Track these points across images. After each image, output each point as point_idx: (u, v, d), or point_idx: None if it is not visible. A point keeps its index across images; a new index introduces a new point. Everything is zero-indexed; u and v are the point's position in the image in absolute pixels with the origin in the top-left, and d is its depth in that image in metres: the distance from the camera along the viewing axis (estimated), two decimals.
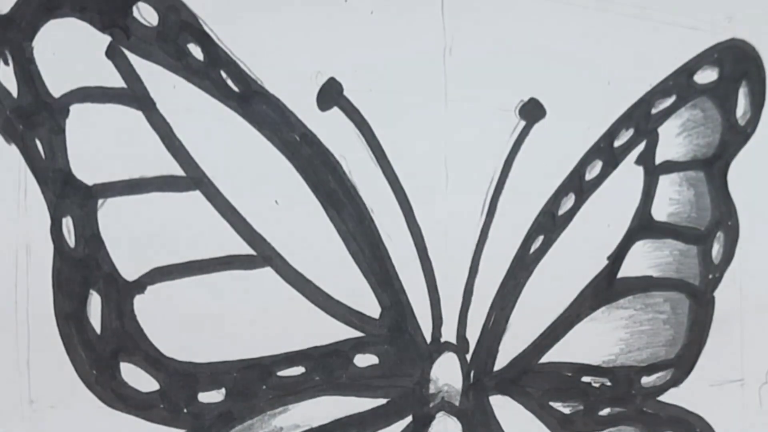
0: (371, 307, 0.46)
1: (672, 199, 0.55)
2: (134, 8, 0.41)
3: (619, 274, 0.53)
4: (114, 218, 0.40)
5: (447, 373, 0.48)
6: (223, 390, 0.42)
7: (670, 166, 0.55)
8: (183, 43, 0.42)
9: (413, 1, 0.47)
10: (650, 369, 0.54)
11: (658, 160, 0.54)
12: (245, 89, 0.43)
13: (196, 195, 0.42)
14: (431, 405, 0.48)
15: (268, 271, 0.44)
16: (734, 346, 0.57)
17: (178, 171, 0.42)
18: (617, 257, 0.53)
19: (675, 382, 0.55)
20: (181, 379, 0.41)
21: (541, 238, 0.51)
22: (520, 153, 0.50)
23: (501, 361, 0.50)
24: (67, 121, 0.40)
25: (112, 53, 0.40)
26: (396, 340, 0.47)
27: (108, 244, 0.40)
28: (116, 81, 0.41)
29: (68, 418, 0.39)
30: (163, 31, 0.41)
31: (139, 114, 0.41)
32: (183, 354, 0.42)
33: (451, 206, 0.48)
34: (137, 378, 0.41)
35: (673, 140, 0.55)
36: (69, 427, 0.39)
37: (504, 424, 0.50)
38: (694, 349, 0.55)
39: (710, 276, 0.56)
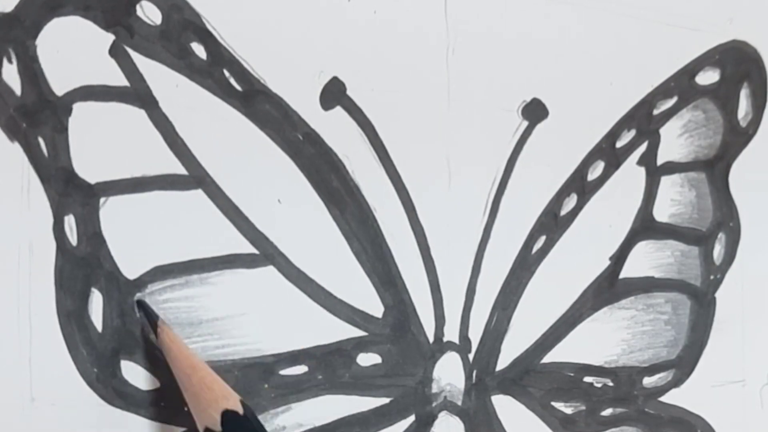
0: (374, 306, 0.46)
1: (674, 200, 0.55)
2: (138, 7, 0.41)
3: (621, 275, 0.53)
4: (116, 216, 0.40)
5: (449, 373, 0.48)
6: None
7: (671, 167, 0.55)
8: (186, 42, 0.42)
9: (416, 1, 0.47)
10: (652, 369, 0.54)
11: (659, 161, 0.54)
12: (248, 88, 0.43)
13: (199, 193, 0.42)
14: (434, 404, 0.48)
15: (270, 270, 0.44)
16: (735, 347, 0.57)
17: (180, 170, 0.42)
18: (619, 258, 0.53)
19: (676, 382, 0.55)
20: None
21: (543, 238, 0.51)
22: (523, 153, 0.50)
23: (503, 361, 0.50)
24: (70, 119, 0.39)
25: (115, 52, 0.40)
26: (399, 339, 0.47)
27: (109, 242, 0.40)
28: (119, 80, 0.41)
29: (69, 415, 0.39)
30: (166, 30, 0.41)
31: (142, 112, 0.41)
32: None
33: (453, 206, 0.48)
34: (138, 376, 0.41)
35: (675, 141, 0.55)
36: (70, 425, 0.39)
37: (506, 423, 0.50)
38: (696, 350, 0.55)
39: (711, 277, 0.56)
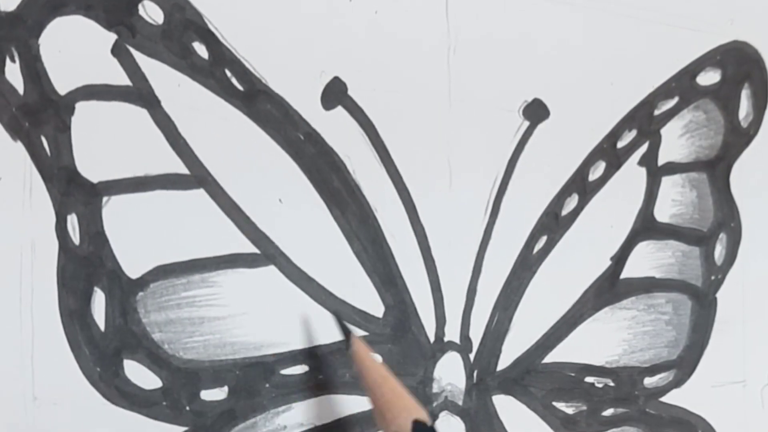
0: (375, 306, 0.46)
1: (674, 200, 0.55)
2: (140, 6, 0.41)
3: (622, 275, 0.53)
4: (118, 216, 0.40)
5: (450, 373, 0.48)
6: (225, 388, 0.42)
7: (672, 168, 0.55)
8: (188, 42, 0.42)
9: (418, 1, 0.47)
10: (653, 370, 0.54)
11: (660, 162, 0.54)
12: (249, 88, 0.43)
13: (200, 193, 0.42)
14: (434, 404, 0.48)
15: (271, 270, 0.44)
16: (736, 348, 0.57)
17: (182, 169, 0.42)
18: (620, 258, 0.53)
19: (677, 383, 0.55)
20: (183, 376, 0.41)
21: (544, 238, 0.51)
22: (524, 153, 0.50)
23: (504, 361, 0.50)
24: (73, 118, 0.39)
25: (117, 51, 0.40)
26: (400, 339, 0.47)
27: (112, 241, 0.40)
28: (121, 79, 0.41)
29: (71, 414, 0.39)
30: (168, 30, 0.41)
31: (144, 112, 0.41)
32: (186, 352, 0.42)
33: (454, 206, 0.48)
34: (140, 375, 0.41)
35: (676, 142, 0.55)
36: (72, 424, 0.39)
37: (507, 424, 0.50)
38: (696, 351, 0.56)
39: (712, 277, 0.56)
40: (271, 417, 0.44)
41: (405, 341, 0.47)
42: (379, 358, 0.43)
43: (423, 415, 0.40)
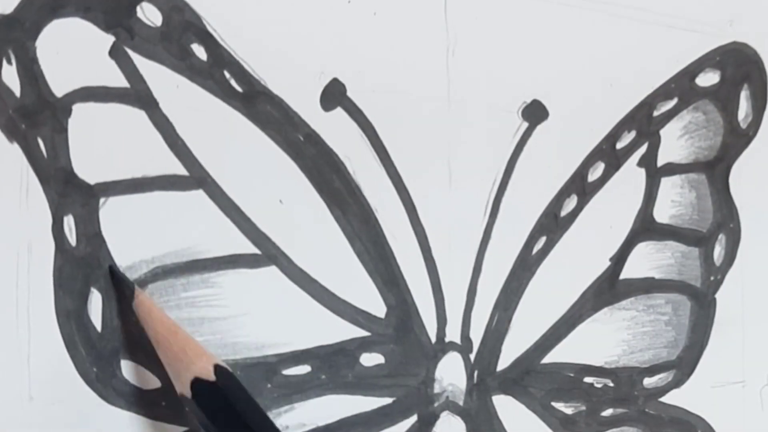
0: (377, 307, 0.46)
1: (674, 201, 0.55)
2: (138, 8, 0.41)
3: (621, 276, 0.53)
4: (116, 217, 0.40)
5: (451, 373, 0.48)
6: None
7: (671, 169, 0.55)
8: (186, 44, 0.42)
9: (416, 2, 0.48)
10: (652, 370, 0.54)
11: (660, 163, 0.54)
12: (249, 89, 0.43)
13: (200, 194, 0.42)
14: (436, 404, 0.48)
15: (273, 270, 0.44)
16: (736, 348, 0.57)
17: (181, 170, 0.42)
18: (619, 259, 0.53)
19: (677, 383, 0.55)
20: None
21: (543, 239, 0.51)
22: (523, 154, 0.50)
23: (504, 361, 0.50)
24: (70, 120, 0.39)
25: (115, 53, 0.40)
26: (402, 339, 0.47)
27: (109, 242, 0.40)
28: (119, 81, 0.41)
29: (68, 415, 0.39)
30: (166, 32, 0.41)
31: (142, 113, 0.41)
32: None
33: (454, 207, 0.48)
34: (138, 376, 0.40)
35: (675, 143, 0.55)
36: (69, 424, 0.39)
37: (507, 424, 0.50)
38: (696, 351, 0.56)
39: (712, 278, 0.56)
40: (273, 417, 0.43)
41: (407, 341, 0.47)
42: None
43: (203, 370, 0.36)
